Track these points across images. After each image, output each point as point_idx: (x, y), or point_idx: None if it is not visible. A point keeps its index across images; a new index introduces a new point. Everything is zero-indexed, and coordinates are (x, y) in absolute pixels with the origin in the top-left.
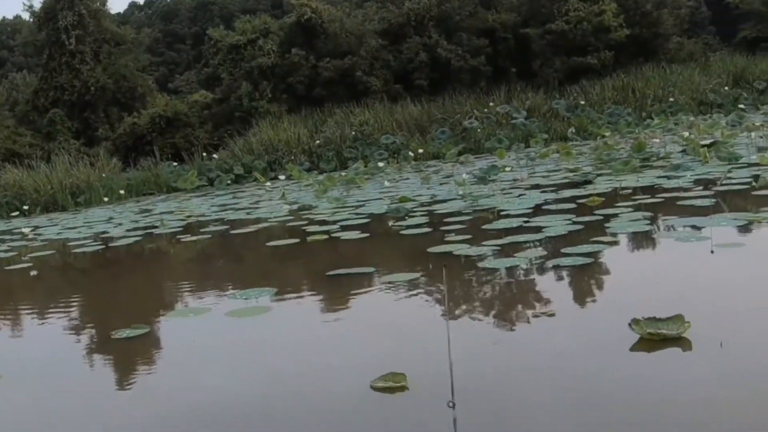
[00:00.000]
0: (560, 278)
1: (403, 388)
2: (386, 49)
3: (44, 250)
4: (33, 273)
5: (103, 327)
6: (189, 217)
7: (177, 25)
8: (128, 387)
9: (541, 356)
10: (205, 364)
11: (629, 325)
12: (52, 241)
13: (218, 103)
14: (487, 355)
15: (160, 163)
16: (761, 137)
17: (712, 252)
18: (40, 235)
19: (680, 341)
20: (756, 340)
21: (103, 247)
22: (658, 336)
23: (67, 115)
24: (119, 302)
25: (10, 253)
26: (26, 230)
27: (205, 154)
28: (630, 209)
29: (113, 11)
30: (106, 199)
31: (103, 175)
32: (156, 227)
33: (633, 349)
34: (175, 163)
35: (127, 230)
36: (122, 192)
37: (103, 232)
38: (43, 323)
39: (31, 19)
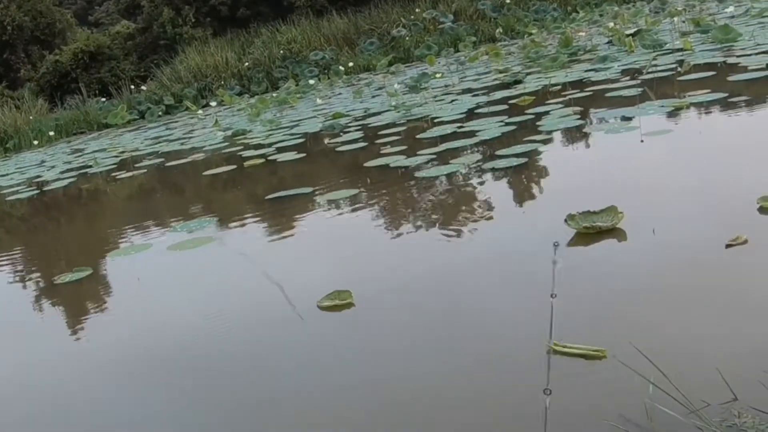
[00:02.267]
0: (497, 181)
1: (349, 305)
2: None
3: None
4: None
5: (46, 273)
6: (122, 153)
7: None
8: (79, 330)
9: (481, 256)
10: (150, 300)
11: (565, 220)
12: None
13: (141, 32)
14: (433, 259)
15: (87, 100)
16: (683, 22)
17: (641, 141)
18: None
19: (615, 232)
20: (687, 222)
21: (38, 192)
22: (593, 229)
23: None
24: (60, 247)
25: None
26: None
27: (133, 87)
28: (560, 105)
29: None
30: (36, 142)
31: (31, 117)
32: (90, 167)
33: (570, 244)
34: (104, 99)
35: (61, 172)
36: (52, 133)
37: (37, 177)
38: None
39: None
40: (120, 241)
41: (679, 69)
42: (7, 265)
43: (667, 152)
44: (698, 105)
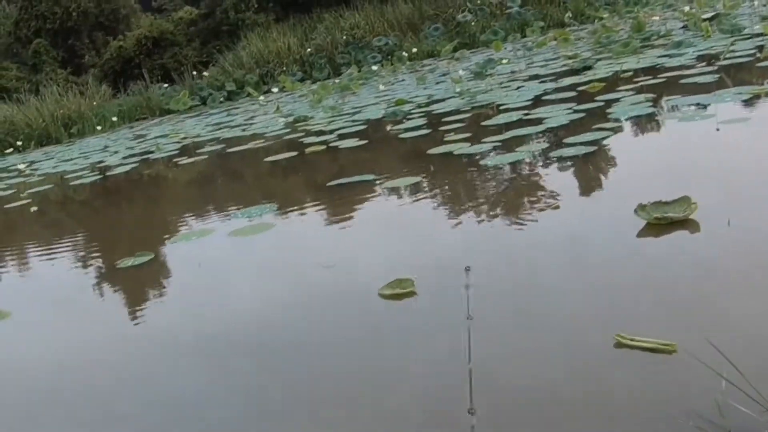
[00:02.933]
0: (564, 169)
1: (411, 294)
2: None
3: (42, 185)
4: (33, 209)
5: (108, 257)
6: (184, 138)
7: None
8: (140, 313)
9: (549, 246)
10: (211, 285)
11: (635, 211)
12: (49, 175)
13: (204, 18)
14: (497, 248)
15: (150, 85)
16: (765, 5)
17: (717, 129)
18: (36, 170)
19: (688, 223)
20: (764, 214)
21: (101, 176)
22: (665, 220)
23: (52, 44)
24: (121, 232)
25: (9, 191)
26: (22, 166)
27: (195, 72)
28: (632, 92)
29: None
30: (99, 127)
31: (94, 103)
32: (152, 152)
33: (640, 234)
34: (166, 85)
35: (124, 158)
36: (115, 119)
37: (100, 162)
38: (47, 259)
39: None
40: (181, 226)
41: (758, 55)
42: (70, 248)
43: (744, 141)
44: None
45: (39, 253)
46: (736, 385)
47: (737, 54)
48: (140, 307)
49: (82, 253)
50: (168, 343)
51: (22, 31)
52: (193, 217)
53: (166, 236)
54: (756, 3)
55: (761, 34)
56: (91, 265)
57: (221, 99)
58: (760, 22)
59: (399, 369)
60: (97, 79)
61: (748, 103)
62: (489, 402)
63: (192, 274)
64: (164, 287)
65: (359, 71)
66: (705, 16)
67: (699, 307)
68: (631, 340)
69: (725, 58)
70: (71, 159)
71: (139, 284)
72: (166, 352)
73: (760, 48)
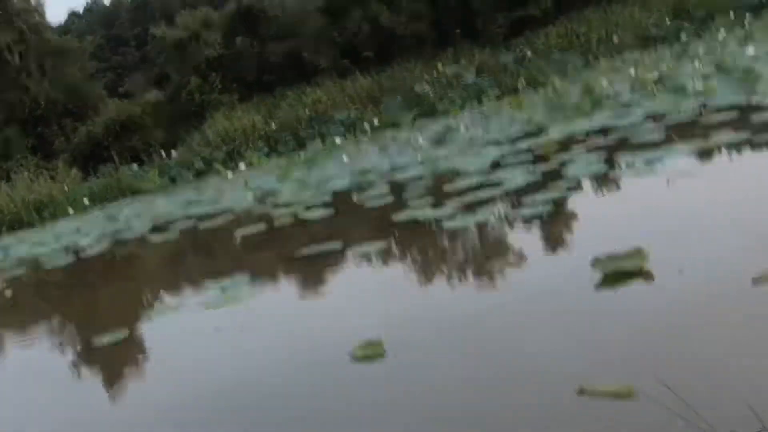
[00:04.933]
0: (524, 228)
1: (380, 356)
2: (330, 26)
3: (16, 268)
4: (7, 293)
5: (85, 336)
6: (155, 217)
7: (119, 29)
8: (119, 388)
9: (512, 301)
10: (186, 357)
11: (591, 264)
12: (22, 259)
13: (170, 100)
14: (462, 306)
15: (120, 167)
16: (705, 66)
17: (667, 183)
18: (9, 254)
19: (642, 273)
20: (714, 262)
21: (75, 258)
22: (620, 271)
23: (21, 132)
24: (97, 310)
25: None
26: None
27: (163, 153)
28: (585, 152)
29: (53, 23)
30: (71, 210)
31: (65, 187)
32: (124, 232)
33: (598, 286)
34: (136, 166)
35: (96, 238)
36: (86, 201)
37: (73, 244)
38: (23, 340)
39: None
40: (155, 302)
41: (702, 112)
42: (46, 329)
43: (694, 193)
44: (723, 147)
45: (14, 334)
46: (693, 424)
47: (682, 112)
48: (116, 382)
49: (57, 333)
50: (144, 415)
51: None
52: (166, 293)
53: (141, 313)
54: (697, 64)
55: (703, 93)
56: (67, 343)
57: (190, 177)
58: (702, 81)
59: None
60: (68, 164)
61: (695, 157)
62: None
63: (167, 347)
64: (139, 362)
65: (323, 144)
66: (650, 78)
67: (656, 352)
68: (593, 386)
69: (671, 117)
70: (44, 242)
71: (115, 360)
72: (143, 422)
73: (704, 105)
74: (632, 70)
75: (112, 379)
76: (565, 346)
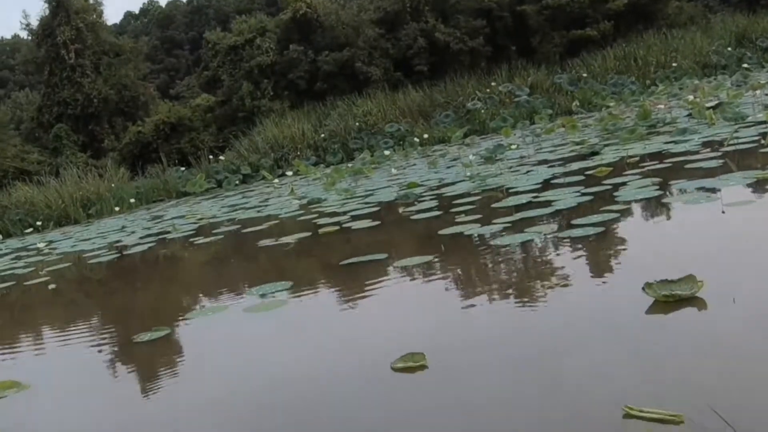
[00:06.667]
0: (573, 249)
1: (422, 368)
2: (384, 38)
3: (60, 263)
4: (51, 286)
5: (125, 333)
6: (200, 219)
7: (174, 31)
8: (157, 386)
9: (558, 321)
10: (226, 359)
11: (643, 289)
12: (67, 253)
13: (220, 105)
14: (508, 325)
15: (167, 169)
16: (767, 95)
17: (723, 212)
18: (55, 249)
19: (694, 301)
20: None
21: (118, 255)
22: (672, 297)
23: (73, 129)
24: (138, 308)
25: (28, 269)
26: (41, 245)
27: (211, 156)
28: (638, 176)
29: (110, 23)
30: (117, 208)
31: (113, 185)
32: (168, 232)
33: (649, 312)
34: (183, 168)
35: (141, 238)
36: (132, 200)
37: (117, 241)
38: (65, 334)
39: (30, 37)
40: (196, 302)
41: (762, 141)
42: (87, 324)
43: (749, 222)
44: None
45: (56, 328)
46: None
47: (741, 140)
48: (153, 380)
49: (98, 330)
50: (180, 413)
51: (45, 116)
52: (208, 295)
53: (181, 313)
54: (758, 92)
55: (764, 122)
56: (107, 339)
57: (237, 182)
58: (763, 110)
59: None
60: (116, 163)
61: (753, 186)
62: None
63: (206, 347)
64: (178, 361)
65: (372, 156)
66: (709, 105)
67: (706, 380)
68: (640, 411)
69: (729, 144)
70: (89, 238)
71: (153, 358)
72: (179, 420)
73: (764, 135)
74: (691, 97)
75: (150, 376)
76: (611, 369)
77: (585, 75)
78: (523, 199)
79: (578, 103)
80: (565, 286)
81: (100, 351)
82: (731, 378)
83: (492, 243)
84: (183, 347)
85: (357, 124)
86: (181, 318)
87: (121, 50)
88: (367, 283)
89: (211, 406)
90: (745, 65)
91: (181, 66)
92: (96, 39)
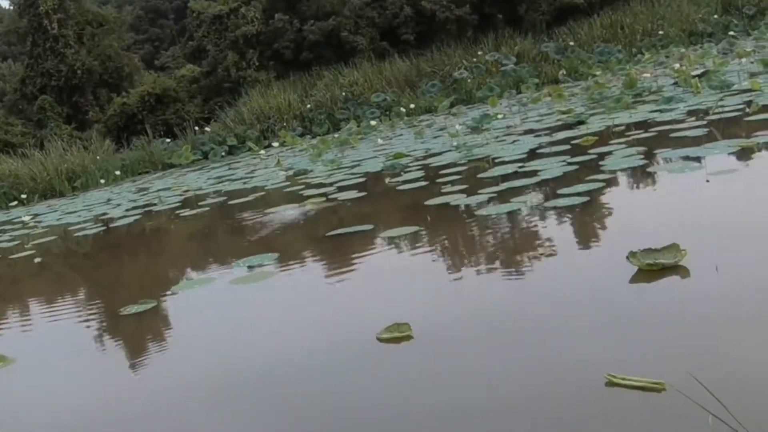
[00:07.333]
0: (558, 219)
1: (408, 338)
2: (370, 6)
3: (46, 236)
4: (37, 260)
5: (111, 306)
6: (186, 191)
7: (158, 1)
8: (142, 360)
9: (543, 291)
10: (214, 331)
11: (627, 258)
12: (53, 227)
13: (206, 75)
14: (493, 294)
15: (153, 140)
16: (752, 63)
17: (707, 181)
18: (40, 222)
19: (678, 269)
20: (750, 261)
21: (104, 228)
22: (655, 266)
23: (57, 100)
24: (124, 281)
25: (13, 242)
26: (26, 218)
27: (197, 128)
28: (623, 146)
29: None
30: (102, 181)
31: (98, 157)
32: (154, 204)
33: (632, 280)
34: (168, 140)
35: (126, 210)
36: (118, 173)
37: (103, 214)
38: (51, 308)
39: (11, 7)
40: (182, 275)
41: (747, 110)
42: (73, 297)
43: (732, 192)
44: (766, 145)
45: (42, 301)
46: (723, 421)
47: (726, 109)
48: (140, 353)
49: (85, 303)
50: (167, 385)
51: (28, 88)
52: (194, 267)
53: (168, 285)
54: (744, 60)
55: (749, 90)
56: (93, 312)
57: (223, 153)
58: (748, 78)
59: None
60: (101, 135)
61: (738, 155)
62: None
63: (194, 319)
64: (166, 333)
65: (358, 126)
66: (695, 73)
67: (687, 348)
68: (622, 379)
69: (714, 113)
70: (75, 211)
71: (140, 331)
72: (166, 393)
73: (749, 103)
74: (677, 65)
75: (137, 349)
76: (595, 338)
77: (572, 43)
78: (509, 169)
79: (565, 72)
80: (550, 255)
81: (86, 324)
82: (713, 346)
83: (478, 213)
84: (170, 320)
85: (343, 94)
86: (168, 290)
87: (105, 20)
88: (353, 254)
89: (197, 379)
90: (732, 33)
91: (165, 36)
92: (79, 9)
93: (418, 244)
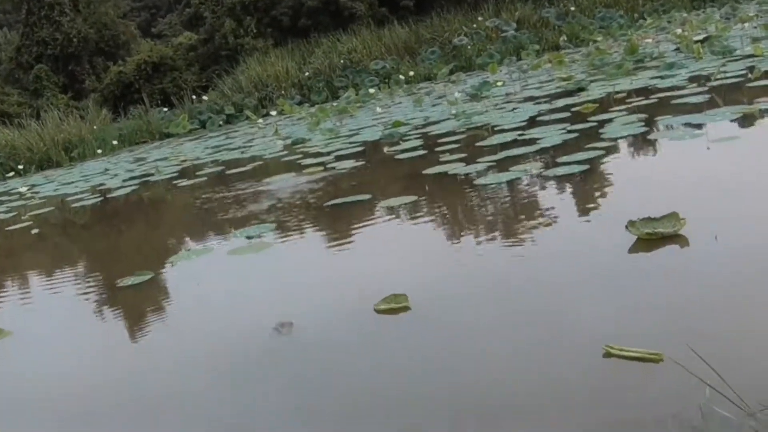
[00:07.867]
0: (558, 188)
1: (405, 309)
2: None
3: (43, 207)
4: (34, 231)
5: (109, 277)
6: (184, 161)
7: None
8: (139, 332)
9: (542, 261)
10: (211, 302)
11: (626, 227)
12: (50, 197)
13: (203, 43)
14: (491, 263)
15: (150, 109)
16: (755, 27)
17: (708, 148)
18: (37, 193)
19: (677, 238)
20: (750, 230)
21: (102, 199)
22: (655, 235)
23: (53, 69)
24: (122, 252)
25: (10, 214)
26: (23, 189)
27: (194, 97)
28: (624, 113)
29: None
30: (99, 151)
31: (95, 127)
32: (152, 175)
33: (631, 250)
34: (166, 109)
35: (124, 180)
36: (115, 143)
37: (100, 185)
38: (48, 279)
39: None
40: (181, 245)
41: (749, 75)
42: (70, 268)
43: (733, 159)
44: None
45: (40, 273)
46: (720, 392)
47: (729, 75)
48: (139, 324)
49: (82, 274)
50: (165, 357)
51: (24, 56)
52: (192, 238)
53: (165, 256)
54: (747, 25)
55: (752, 56)
56: (91, 283)
57: (220, 122)
58: (751, 43)
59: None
60: (98, 104)
61: (739, 122)
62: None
63: (192, 290)
64: (164, 303)
65: (356, 94)
66: (697, 39)
67: (686, 318)
68: (620, 350)
69: (716, 79)
70: (72, 182)
71: (139, 301)
72: (164, 364)
73: (751, 69)
74: (679, 30)
75: (134, 321)
76: (593, 308)
77: (573, 9)
78: (509, 137)
79: (566, 38)
80: (549, 225)
81: (83, 296)
82: (712, 316)
83: (477, 182)
84: (168, 291)
85: (342, 61)
86: (165, 261)
87: None
88: (351, 224)
89: (195, 350)
90: None
91: (162, 3)
92: None
93: (416, 214)
